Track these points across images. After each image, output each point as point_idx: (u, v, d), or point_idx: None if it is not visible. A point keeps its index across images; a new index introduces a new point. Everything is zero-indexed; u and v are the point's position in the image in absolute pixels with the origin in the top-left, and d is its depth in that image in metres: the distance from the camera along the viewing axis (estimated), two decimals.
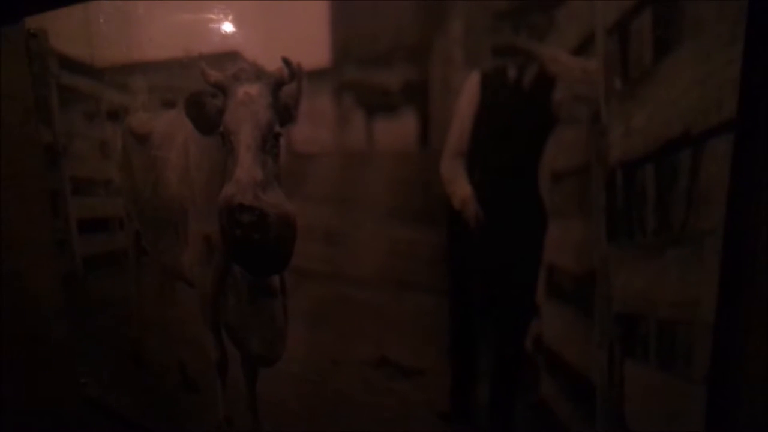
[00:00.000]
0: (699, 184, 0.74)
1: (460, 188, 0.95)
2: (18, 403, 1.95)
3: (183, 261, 1.40)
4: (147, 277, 1.59)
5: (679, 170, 0.75)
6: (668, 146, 0.75)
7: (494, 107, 0.91)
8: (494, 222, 0.94)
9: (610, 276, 0.82)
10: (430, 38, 0.95)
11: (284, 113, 1.13)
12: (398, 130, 1.02)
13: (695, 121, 0.72)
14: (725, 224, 0.71)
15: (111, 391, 1.81)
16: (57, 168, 1.69)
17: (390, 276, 1.09)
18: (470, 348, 1.01)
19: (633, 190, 0.79)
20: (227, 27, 1.23)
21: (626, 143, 0.78)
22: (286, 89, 1.11)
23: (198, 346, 1.43)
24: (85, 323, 1.82)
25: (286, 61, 1.08)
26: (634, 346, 0.83)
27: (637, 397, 0.83)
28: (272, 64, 1.11)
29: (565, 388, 0.91)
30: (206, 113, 1.18)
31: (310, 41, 1.10)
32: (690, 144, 0.74)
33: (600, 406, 0.86)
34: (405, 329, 1.10)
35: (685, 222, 0.76)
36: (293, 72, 1.09)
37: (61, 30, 1.57)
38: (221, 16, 1.23)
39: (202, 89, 1.18)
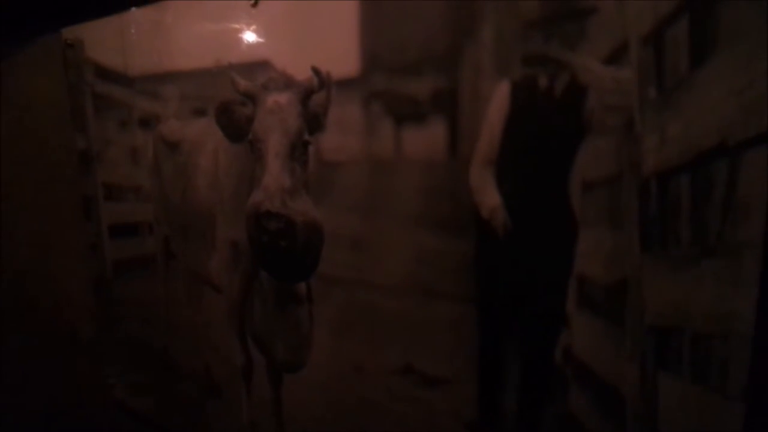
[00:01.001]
0: (736, 195, 0.72)
1: (489, 197, 0.95)
2: (46, 403, 1.99)
3: (210, 266, 1.41)
4: (175, 281, 1.61)
5: (716, 181, 0.74)
6: (704, 156, 0.74)
7: (524, 116, 0.91)
8: (523, 231, 0.93)
9: (643, 287, 0.81)
10: (460, 47, 0.95)
11: (313, 122, 1.13)
12: (427, 139, 1.02)
13: (733, 132, 0.71)
14: (765, 236, 0.69)
15: (137, 393, 1.84)
16: (90, 174, 1.73)
17: (416, 284, 1.09)
18: (498, 358, 1.00)
19: (667, 200, 0.78)
20: (257, 37, 1.25)
21: (661, 153, 0.77)
22: (315, 98, 1.12)
23: (224, 351, 1.44)
24: (114, 326, 1.85)
25: (316, 71, 1.09)
26: (667, 359, 0.81)
27: (671, 412, 0.81)
28: (302, 73, 1.12)
29: (594, 401, 0.89)
30: (236, 121, 1.20)
31: (339, 51, 1.11)
32: (727, 154, 0.72)
33: (631, 421, 0.85)
34: (431, 338, 1.09)
35: (721, 233, 0.74)
36: (322, 81, 1.10)
37: (96, 40, 1.62)
38: (251, 26, 1.25)
39: (232, 98, 1.19)
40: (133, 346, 1.81)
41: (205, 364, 1.57)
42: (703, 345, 0.77)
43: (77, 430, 1.97)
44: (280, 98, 1.13)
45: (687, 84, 0.75)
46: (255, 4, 1.22)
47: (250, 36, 1.26)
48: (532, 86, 0.90)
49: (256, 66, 1.22)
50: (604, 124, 0.83)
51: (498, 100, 0.92)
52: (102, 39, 1.59)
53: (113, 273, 1.78)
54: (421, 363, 1.11)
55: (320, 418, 1.30)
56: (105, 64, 1.61)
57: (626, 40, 0.79)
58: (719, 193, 0.74)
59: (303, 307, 1.28)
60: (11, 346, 1.98)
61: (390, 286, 1.13)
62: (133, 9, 1.48)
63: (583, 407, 0.91)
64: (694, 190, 0.76)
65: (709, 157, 0.74)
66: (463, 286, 1.03)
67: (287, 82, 1.14)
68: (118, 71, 1.57)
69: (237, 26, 1.28)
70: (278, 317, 1.31)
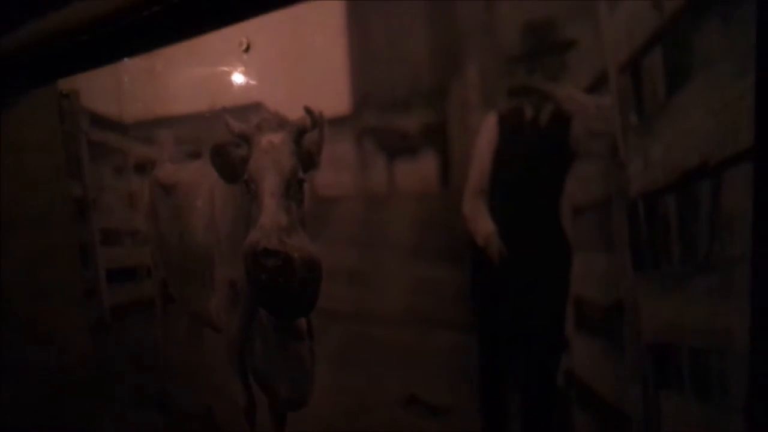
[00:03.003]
0: (721, 213, 0.75)
1: (483, 225, 0.97)
2: None
3: (210, 307, 1.41)
4: (174, 324, 1.61)
5: (701, 200, 0.77)
6: (687, 177, 0.77)
7: (512, 145, 0.94)
8: (518, 257, 0.95)
9: (639, 306, 0.82)
10: (447, 83, 0.99)
11: (307, 160, 1.16)
12: (419, 172, 1.04)
13: (712, 152, 0.74)
14: (753, 251, 0.71)
15: None
16: (86, 220, 1.74)
17: (416, 314, 1.10)
18: (500, 385, 1.01)
19: (656, 221, 0.80)
20: (249, 80, 1.28)
21: (646, 175, 0.80)
22: (308, 137, 1.14)
23: (226, 391, 1.43)
24: (113, 370, 1.83)
25: (308, 110, 1.12)
26: (668, 377, 0.82)
27: (675, 429, 0.82)
28: (294, 113, 1.15)
29: (599, 423, 0.89)
30: (231, 162, 1.22)
31: (330, 90, 1.14)
32: (709, 174, 0.75)
33: None
34: (433, 367, 1.09)
35: (710, 250, 0.76)
36: (315, 120, 1.12)
37: (91, 89, 1.65)
38: (243, 69, 1.28)
39: (226, 140, 1.22)
40: (133, 389, 1.79)
41: (207, 406, 1.56)
42: (702, 361, 0.79)
43: None
44: (274, 138, 1.15)
45: (666, 109, 0.79)
46: (246, 49, 1.26)
47: (242, 79, 1.29)
48: (519, 117, 0.93)
49: (249, 108, 1.25)
50: (590, 151, 0.86)
51: (486, 132, 0.96)
52: (97, 88, 1.63)
53: (111, 317, 1.77)
54: (424, 393, 1.11)
55: None
56: (100, 112, 1.64)
57: (605, 69, 0.83)
58: (705, 212, 0.76)
59: (304, 343, 1.27)
60: (10, 393, 1.95)
61: (389, 318, 1.14)
62: (126, 60, 1.52)
63: (588, 429, 0.91)
64: (681, 210, 0.79)
65: (693, 177, 0.77)
66: (462, 314, 1.04)
67: (280, 123, 1.17)
68: (113, 119, 1.60)
69: (229, 70, 1.31)
70: (279, 355, 1.31)
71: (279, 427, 1.36)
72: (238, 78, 1.29)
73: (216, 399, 1.52)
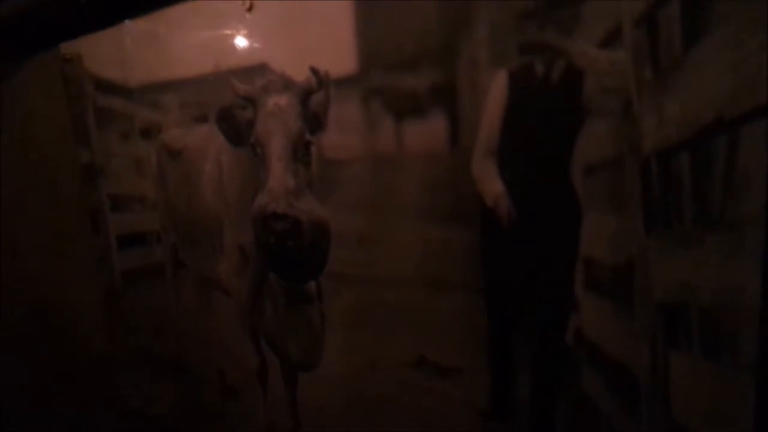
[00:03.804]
0: (736, 171, 0.73)
1: (492, 186, 0.96)
2: (60, 414, 2.01)
3: (219, 271, 1.42)
4: (185, 288, 1.62)
5: (715, 157, 0.75)
6: (702, 133, 0.75)
7: (523, 104, 0.92)
8: (527, 218, 0.94)
9: (649, 266, 0.82)
10: (456, 41, 0.96)
11: (314, 122, 1.14)
12: (427, 133, 1.03)
13: (729, 107, 0.72)
14: (766, 208, 0.70)
15: (153, 401, 1.85)
16: (96, 187, 1.74)
17: (425, 277, 1.10)
18: (509, 345, 1.01)
19: (669, 179, 0.79)
20: (253, 40, 1.26)
21: (660, 132, 0.78)
22: (314, 98, 1.12)
23: (237, 354, 1.45)
24: (126, 336, 1.86)
25: (314, 71, 1.10)
26: (677, 337, 0.82)
27: (683, 389, 0.82)
28: (300, 74, 1.12)
29: (607, 382, 0.90)
30: (237, 125, 1.20)
31: (336, 50, 1.11)
32: (725, 130, 0.73)
33: (644, 399, 0.85)
34: (442, 329, 1.10)
35: (723, 209, 0.75)
36: (321, 81, 1.10)
37: (94, 54, 1.63)
38: (247, 30, 1.26)
39: (232, 103, 1.20)
40: (147, 354, 1.82)
41: (219, 369, 1.58)
42: (712, 320, 0.78)
43: None
44: (280, 100, 1.13)
45: (682, 63, 0.76)
46: (249, 9, 1.23)
47: (246, 40, 1.26)
48: (530, 74, 0.91)
49: (254, 69, 1.23)
50: (603, 107, 0.84)
51: (496, 90, 0.93)
52: (100, 52, 1.61)
53: (123, 283, 1.79)
54: (433, 354, 1.12)
55: (337, 415, 1.31)
56: (104, 76, 1.63)
57: (620, 22, 0.80)
58: (719, 169, 0.75)
59: (313, 306, 1.28)
60: (25, 360, 2.00)
61: (398, 280, 1.14)
62: (127, 21, 1.49)
63: (596, 388, 0.92)
64: (694, 168, 0.77)
65: (708, 133, 0.75)
66: (471, 276, 1.04)
67: (286, 84, 1.15)
68: (117, 83, 1.58)
69: (232, 31, 1.28)
70: (289, 318, 1.31)
71: (291, 388, 1.38)
72: (241, 39, 1.27)
73: (228, 361, 1.55)
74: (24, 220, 1.99)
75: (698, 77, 0.74)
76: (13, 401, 2.05)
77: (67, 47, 1.67)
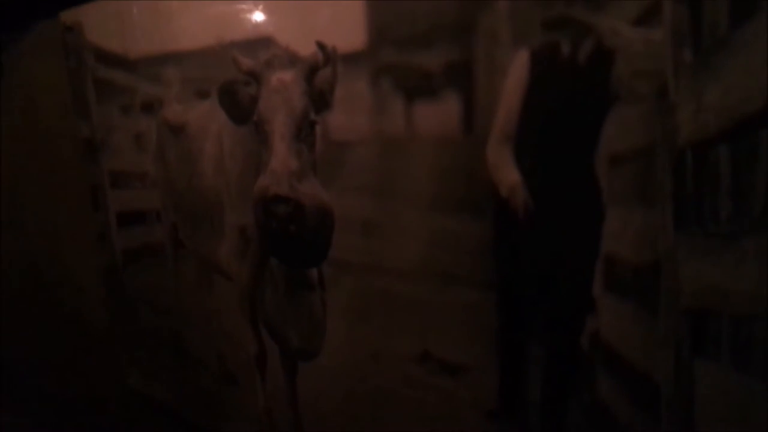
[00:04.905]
0: None
1: (508, 175, 0.89)
2: (60, 392, 2.00)
3: (220, 253, 1.38)
4: (185, 269, 1.59)
5: (758, 151, 0.68)
6: (746, 124, 0.68)
7: (545, 86, 0.85)
8: (545, 211, 0.88)
9: (678, 267, 0.75)
10: (474, 15, 0.89)
11: (319, 100, 1.09)
12: (440, 115, 0.97)
13: None
14: None
15: (152, 381, 1.83)
16: (96, 162, 1.70)
17: (432, 268, 1.05)
18: (519, 344, 0.96)
19: (705, 174, 0.72)
20: (258, 12, 1.20)
21: (697, 121, 0.71)
22: (320, 75, 1.07)
23: (237, 338, 1.42)
24: (127, 315, 1.84)
25: (320, 45, 1.04)
26: (704, 344, 0.76)
27: (709, 400, 0.76)
28: (306, 48, 1.07)
29: (625, 389, 0.84)
30: (240, 102, 1.16)
31: (344, 23, 1.06)
32: None
33: (666, 410, 0.80)
34: (448, 324, 1.05)
35: (765, 208, 0.68)
36: (328, 56, 1.05)
37: (95, 23, 1.57)
38: (252, 1, 1.20)
39: (235, 78, 1.15)
40: (146, 334, 1.80)
41: (218, 353, 1.56)
42: (745, 329, 0.72)
43: (92, 418, 1.98)
44: (285, 76, 1.08)
45: (727, 45, 0.69)
46: None
47: (250, 11, 1.20)
48: (554, 54, 0.84)
49: (258, 43, 1.17)
50: (634, 92, 0.77)
51: (516, 71, 0.87)
52: (101, 22, 1.55)
53: (123, 261, 1.76)
54: (438, 350, 1.07)
55: (336, 406, 1.28)
56: (105, 47, 1.57)
57: None
58: (763, 165, 0.68)
59: (315, 293, 1.24)
60: (25, 337, 1.99)
61: (404, 271, 1.09)
62: None
63: (613, 395, 0.86)
64: (734, 162, 0.70)
65: (752, 125, 0.68)
66: (482, 269, 0.98)
67: (291, 59, 1.09)
68: (118, 55, 1.52)
69: (237, 2, 1.22)
70: (290, 305, 1.28)
71: (290, 376, 1.35)
72: (246, 10, 1.20)
73: (227, 345, 1.52)
74: (25, 194, 1.97)
75: (745, 60, 0.67)
76: (14, 375, 2.04)
77: (68, 15, 1.62)
